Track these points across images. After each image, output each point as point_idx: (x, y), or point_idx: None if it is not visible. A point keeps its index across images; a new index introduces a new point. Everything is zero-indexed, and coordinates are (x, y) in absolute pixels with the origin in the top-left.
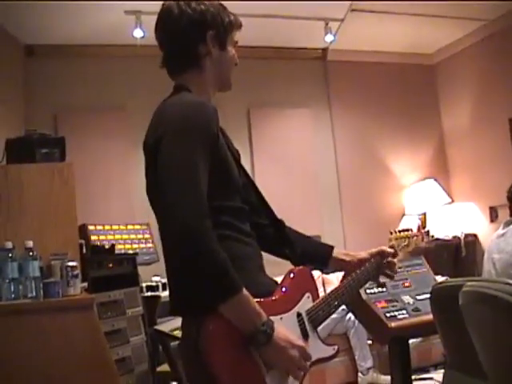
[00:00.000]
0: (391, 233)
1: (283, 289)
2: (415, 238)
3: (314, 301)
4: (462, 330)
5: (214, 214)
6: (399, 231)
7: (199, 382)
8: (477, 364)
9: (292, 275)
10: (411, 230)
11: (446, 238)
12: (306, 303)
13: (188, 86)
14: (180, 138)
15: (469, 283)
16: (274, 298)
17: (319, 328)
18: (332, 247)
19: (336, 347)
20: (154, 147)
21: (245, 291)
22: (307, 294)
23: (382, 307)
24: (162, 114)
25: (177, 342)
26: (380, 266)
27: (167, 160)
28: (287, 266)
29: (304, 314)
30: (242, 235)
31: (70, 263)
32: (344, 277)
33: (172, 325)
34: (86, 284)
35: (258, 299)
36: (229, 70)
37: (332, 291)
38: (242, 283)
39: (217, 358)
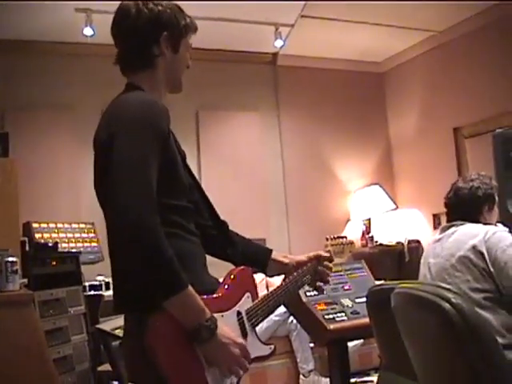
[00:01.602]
0: (327, 239)
1: (225, 287)
2: (349, 245)
3: (253, 301)
4: (394, 332)
5: (162, 212)
6: (334, 238)
7: (143, 379)
8: (408, 365)
9: (233, 275)
10: (346, 238)
11: (390, 244)
12: (245, 303)
13: (140, 84)
14: (133, 135)
15: (400, 285)
16: (216, 295)
17: (261, 330)
18: (271, 250)
19: (272, 346)
20: (106, 143)
21: (190, 288)
22: (247, 294)
23: (322, 309)
24: (115, 110)
25: (118, 342)
26: (316, 270)
27: (120, 157)
28: (226, 268)
29: (244, 313)
30: (188, 234)
31: (10, 259)
32: (284, 279)
33: (114, 324)
34: (25, 280)
35: (202, 296)
36: (180, 72)
37: (270, 292)
38: (187, 280)
39: (162, 354)
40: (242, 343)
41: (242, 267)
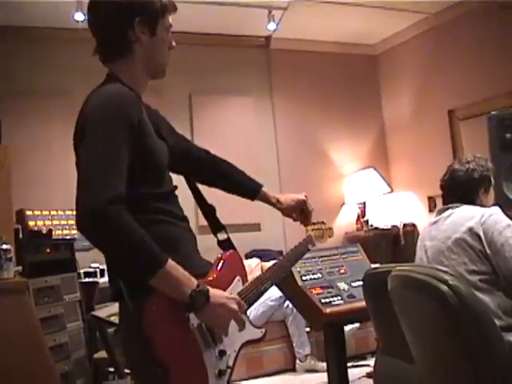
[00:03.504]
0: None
1: (216, 271)
2: (328, 230)
3: (243, 284)
4: (391, 315)
5: (143, 201)
6: (314, 223)
7: (141, 365)
8: (406, 348)
9: (223, 259)
10: (324, 223)
11: (385, 227)
12: (236, 286)
13: (118, 74)
14: (99, 130)
15: (397, 268)
16: (209, 278)
17: (257, 315)
18: (261, 185)
19: (264, 330)
20: (77, 138)
21: (170, 261)
22: (237, 278)
23: (318, 293)
24: (86, 105)
25: (114, 328)
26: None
27: (86, 151)
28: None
29: (235, 297)
30: (176, 219)
31: (4, 246)
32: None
33: (109, 311)
34: (20, 268)
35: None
36: (162, 55)
37: (259, 276)
38: (164, 255)
39: (159, 339)
40: (235, 297)
41: (231, 251)
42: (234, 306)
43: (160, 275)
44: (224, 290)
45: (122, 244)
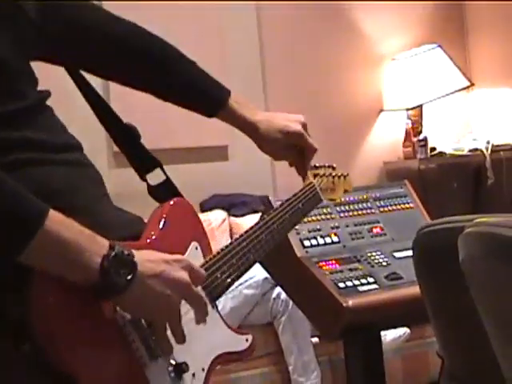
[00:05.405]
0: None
1: (157, 230)
2: (343, 178)
3: (204, 255)
4: (466, 308)
5: None
6: (315, 166)
7: None
8: (493, 369)
9: (166, 213)
10: (333, 168)
11: (459, 153)
12: (193, 257)
13: None
14: None
15: (477, 221)
16: (146, 240)
17: (222, 312)
18: (228, 92)
19: (250, 337)
20: None
21: (53, 212)
22: (194, 244)
23: (332, 272)
24: None
25: None
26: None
27: None
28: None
29: (181, 257)
30: (51, 152)
31: None
32: (261, 216)
33: None
34: None
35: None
36: None
37: (237, 239)
38: (43, 205)
39: (68, 353)
40: (182, 258)
41: (176, 199)
42: (182, 275)
43: (39, 241)
44: None
45: None
